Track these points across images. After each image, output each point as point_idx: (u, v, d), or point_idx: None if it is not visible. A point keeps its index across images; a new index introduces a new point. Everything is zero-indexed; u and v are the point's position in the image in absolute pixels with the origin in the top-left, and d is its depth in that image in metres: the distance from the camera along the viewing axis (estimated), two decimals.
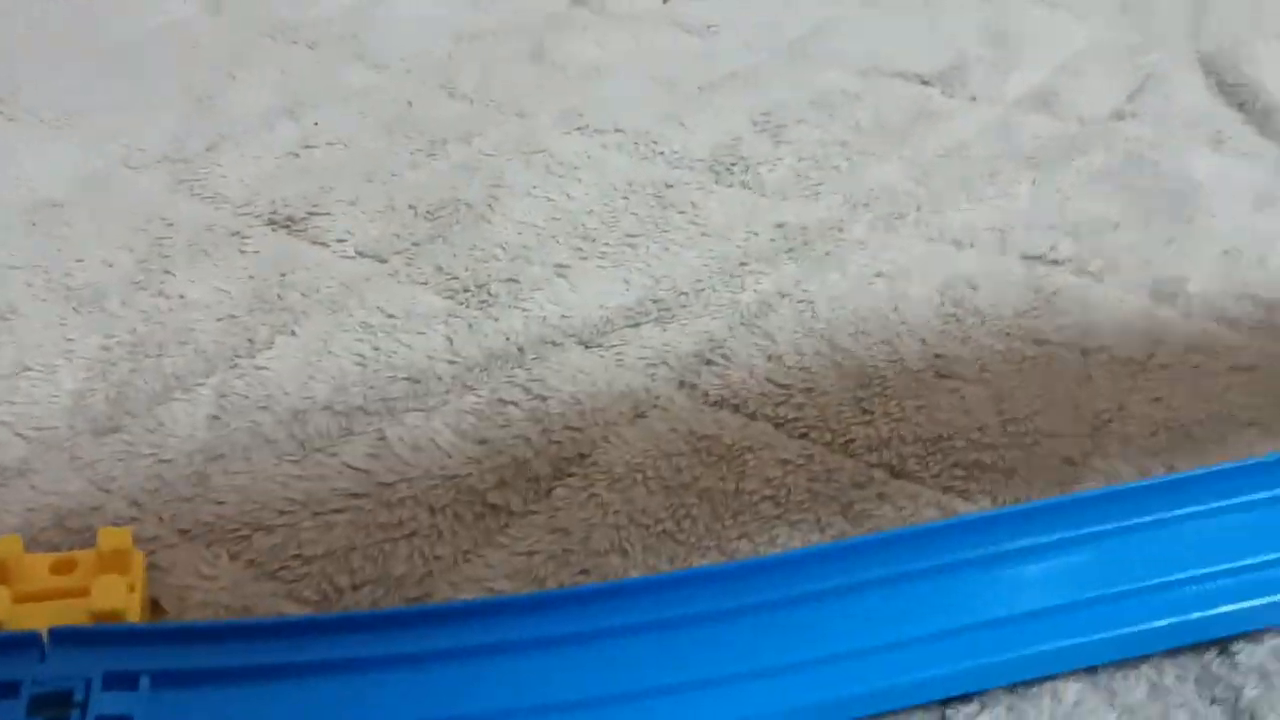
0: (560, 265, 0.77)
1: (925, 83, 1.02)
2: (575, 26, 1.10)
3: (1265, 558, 0.53)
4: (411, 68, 1.02)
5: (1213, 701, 0.49)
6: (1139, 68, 1.05)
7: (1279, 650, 0.51)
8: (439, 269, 0.76)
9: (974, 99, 1.00)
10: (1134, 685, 0.50)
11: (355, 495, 0.58)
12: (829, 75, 1.03)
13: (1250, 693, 0.49)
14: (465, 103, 0.97)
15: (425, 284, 0.75)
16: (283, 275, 0.74)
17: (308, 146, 0.89)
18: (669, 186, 0.86)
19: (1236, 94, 1.00)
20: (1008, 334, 0.71)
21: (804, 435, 0.63)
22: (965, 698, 0.49)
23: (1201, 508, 0.55)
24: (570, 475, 0.60)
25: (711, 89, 1.00)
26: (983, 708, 0.49)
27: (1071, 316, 0.73)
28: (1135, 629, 0.50)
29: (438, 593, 0.54)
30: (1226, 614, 0.51)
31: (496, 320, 0.71)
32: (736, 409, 0.65)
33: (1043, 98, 1.00)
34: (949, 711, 0.49)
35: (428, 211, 0.82)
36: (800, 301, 0.74)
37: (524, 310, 0.72)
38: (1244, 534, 0.54)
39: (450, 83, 0.99)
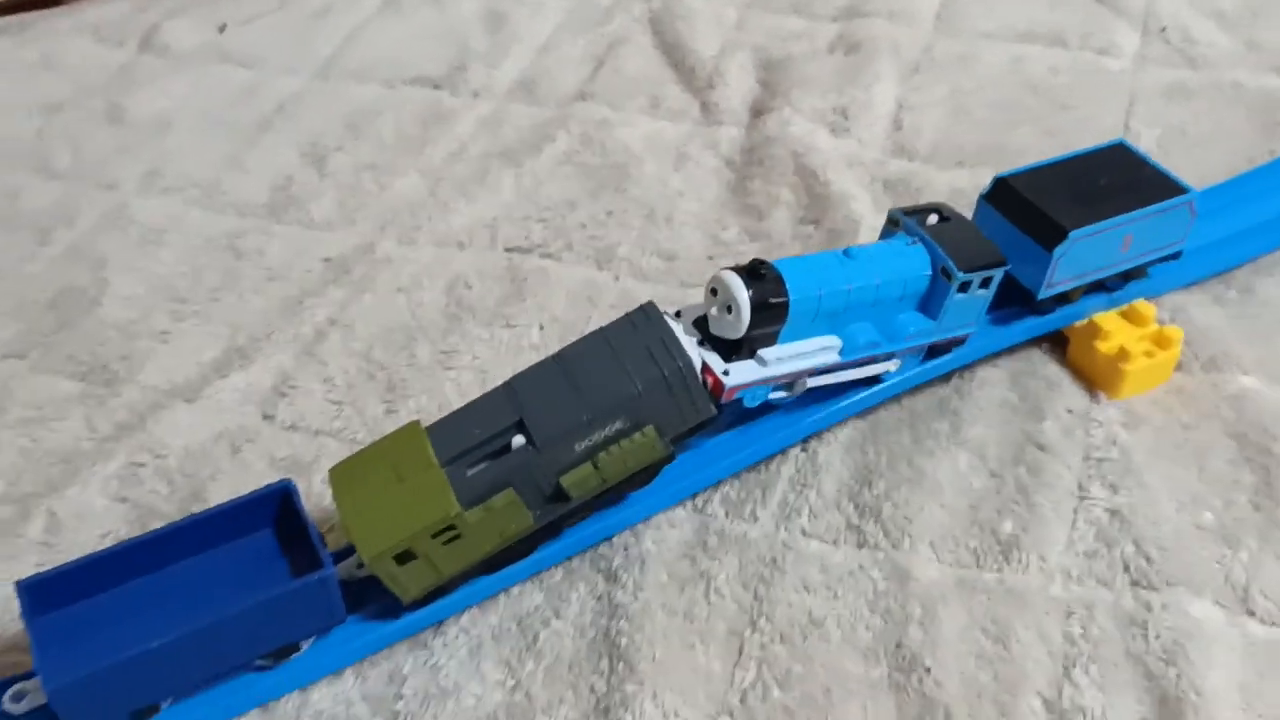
0: (162, 332, 1.01)
1: (436, 86, 1.28)
2: (142, 77, 1.31)
3: None
4: (9, 153, 1.21)
5: (598, 570, 0.83)
6: (604, 37, 1.35)
7: (636, 533, 0.85)
8: (69, 356, 0.99)
9: (476, 95, 1.27)
10: (556, 572, 0.83)
11: (40, 565, 0.84)
12: (359, 92, 1.28)
13: (616, 561, 0.83)
14: (62, 182, 1.17)
15: (60, 372, 0.98)
16: None
17: None
18: (239, 236, 1.11)
19: (671, 53, 1.31)
20: (489, 324, 1.01)
21: (352, 440, 0.93)
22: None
23: None
24: (190, 512, 0.87)
25: (264, 126, 1.24)
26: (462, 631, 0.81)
27: (536, 298, 1.03)
28: None
29: None
30: None
31: (120, 396, 0.96)
32: (305, 429, 0.94)
33: (527, 85, 1.28)
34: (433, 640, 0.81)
35: (50, 303, 1.04)
36: (345, 326, 1.01)
37: (138, 382, 0.97)
38: None
39: (45, 164, 1.19)
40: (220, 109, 1.26)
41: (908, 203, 1.10)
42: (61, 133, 1.24)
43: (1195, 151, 1.16)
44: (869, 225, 1.06)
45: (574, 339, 0.95)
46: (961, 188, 1.11)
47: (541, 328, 1.00)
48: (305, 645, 0.76)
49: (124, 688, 0.70)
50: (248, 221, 1.12)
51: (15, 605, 0.80)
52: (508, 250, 1.08)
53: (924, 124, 1.20)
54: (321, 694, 0.76)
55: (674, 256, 1.07)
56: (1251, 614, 0.79)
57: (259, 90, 1.29)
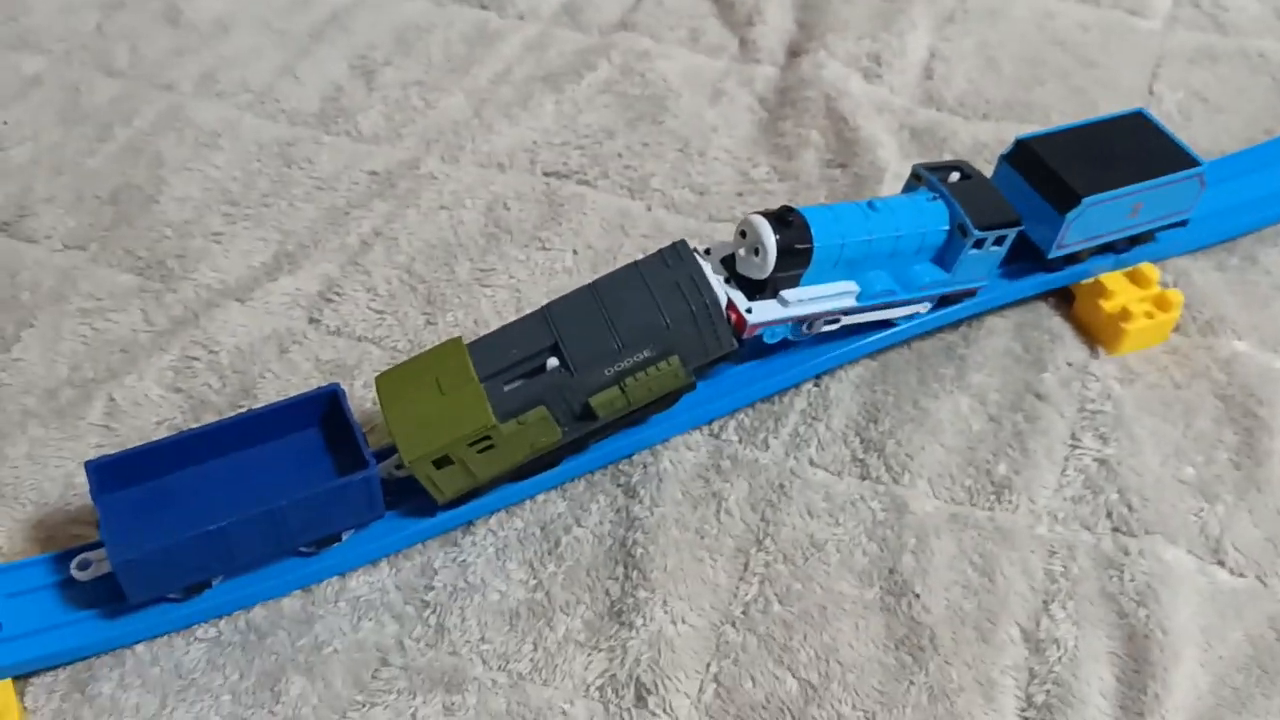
0: (215, 234, 1.07)
1: (484, 6, 1.32)
2: None
3: None
4: (70, 48, 1.25)
5: (618, 485, 0.89)
6: None
7: (655, 453, 0.91)
8: (127, 251, 1.05)
9: (521, 17, 1.31)
10: (579, 484, 0.90)
11: (100, 446, 0.91)
12: (409, 7, 1.31)
13: (635, 477, 0.89)
14: (122, 80, 1.22)
15: (119, 266, 1.04)
16: (13, 276, 1.03)
17: (3, 148, 1.14)
18: (290, 145, 1.15)
19: None
20: (526, 245, 1.06)
21: (393, 348, 0.98)
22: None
23: None
24: (240, 406, 0.93)
25: (317, 36, 1.28)
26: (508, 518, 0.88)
27: (571, 223, 1.08)
28: None
29: None
30: None
31: (175, 292, 1.02)
32: (349, 335, 0.99)
33: (572, 10, 1.31)
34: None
35: (109, 198, 1.10)
36: (389, 238, 1.07)
37: (193, 280, 1.03)
38: None
39: (105, 61, 1.24)
40: (275, 15, 1.30)
41: (933, 152, 1.15)
42: (120, 30, 1.28)
43: (1215, 118, 1.20)
44: (894, 172, 1.10)
45: (604, 266, 1.02)
46: (985, 141, 1.15)
47: (575, 253, 1.05)
48: (345, 536, 0.83)
49: (182, 564, 0.77)
50: (299, 130, 1.17)
51: (78, 483, 0.87)
52: (546, 175, 1.13)
53: (954, 74, 1.23)
54: (359, 581, 0.83)
55: (705, 191, 1.11)
56: (1221, 564, 0.85)
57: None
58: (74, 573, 0.79)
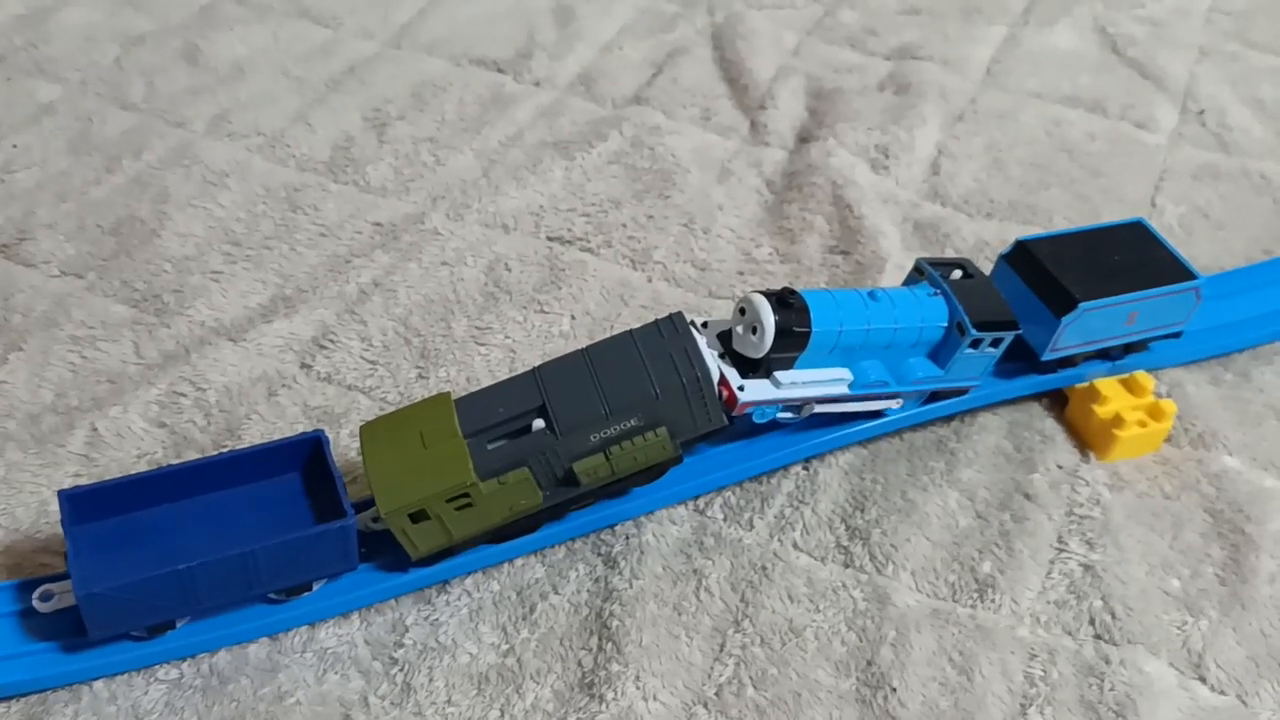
0: (215, 272, 1.06)
1: (500, 70, 1.33)
2: (224, 23, 1.35)
3: None
4: (86, 79, 1.26)
5: (599, 554, 0.88)
6: (665, 44, 1.39)
7: (639, 522, 0.90)
8: (124, 282, 1.05)
9: (538, 84, 1.32)
10: (559, 550, 0.88)
11: (79, 475, 0.89)
12: (428, 65, 1.33)
13: (617, 548, 0.88)
14: (135, 114, 1.22)
15: (114, 296, 1.04)
16: (6, 299, 1.02)
17: (10, 171, 1.14)
18: (297, 190, 1.15)
19: (728, 69, 1.36)
20: (524, 307, 1.06)
21: (383, 399, 0.98)
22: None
23: None
24: (224, 446, 0.93)
25: (334, 86, 1.29)
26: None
27: (571, 288, 1.08)
28: None
29: None
30: None
31: (169, 327, 1.01)
32: (339, 383, 0.99)
33: (587, 81, 1.33)
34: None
35: (111, 228, 1.09)
36: (388, 290, 1.06)
37: (188, 316, 1.02)
38: None
39: (121, 94, 1.24)
40: (293, 63, 1.31)
41: (935, 247, 1.15)
42: (139, 65, 1.28)
43: (1215, 234, 1.21)
44: (895, 263, 1.11)
45: (601, 333, 1.02)
46: (987, 240, 1.16)
47: (573, 318, 1.05)
48: (317, 586, 0.81)
49: (147, 602, 0.75)
50: (307, 176, 1.17)
51: (51, 511, 0.86)
52: (550, 239, 1.13)
53: (960, 173, 1.24)
54: (328, 632, 0.82)
55: (706, 267, 1.12)
56: (1202, 680, 0.84)
57: (333, 49, 1.33)
58: (35, 604, 0.77)
